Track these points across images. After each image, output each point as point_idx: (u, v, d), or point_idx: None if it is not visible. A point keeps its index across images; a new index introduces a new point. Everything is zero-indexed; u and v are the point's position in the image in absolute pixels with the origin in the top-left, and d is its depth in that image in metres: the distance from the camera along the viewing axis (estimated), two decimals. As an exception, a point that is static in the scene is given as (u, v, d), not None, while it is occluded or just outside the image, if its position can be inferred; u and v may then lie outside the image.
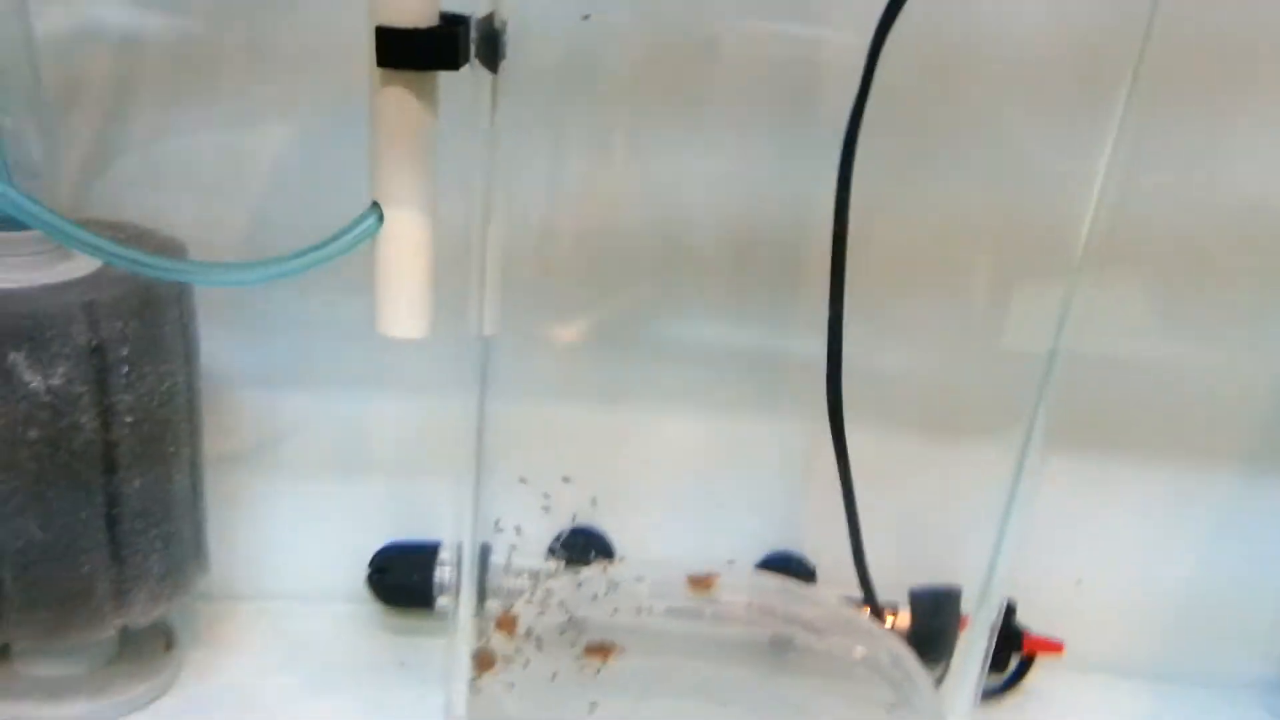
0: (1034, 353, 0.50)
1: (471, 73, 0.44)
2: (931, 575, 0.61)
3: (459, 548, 0.53)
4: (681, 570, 0.60)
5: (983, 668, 0.55)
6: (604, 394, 0.61)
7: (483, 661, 0.56)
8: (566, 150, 0.56)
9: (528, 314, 0.57)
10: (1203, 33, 0.52)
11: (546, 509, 0.58)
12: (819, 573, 0.62)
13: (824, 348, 0.53)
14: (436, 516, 0.64)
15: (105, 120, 0.57)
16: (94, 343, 0.48)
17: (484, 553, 0.57)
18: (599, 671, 0.57)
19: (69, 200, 0.57)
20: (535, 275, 0.58)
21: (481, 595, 0.56)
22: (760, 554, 0.63)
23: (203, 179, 0.58)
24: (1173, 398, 0.60)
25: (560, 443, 0.60)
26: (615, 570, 0.61)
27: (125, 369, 0.50)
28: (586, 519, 0.61)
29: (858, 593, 0.59)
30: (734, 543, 0.62)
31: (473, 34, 0.43)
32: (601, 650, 0.57)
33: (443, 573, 0.62)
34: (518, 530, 0.59)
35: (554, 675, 0.56)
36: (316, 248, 0.45)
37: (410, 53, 0.42)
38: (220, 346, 0.58)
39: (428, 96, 0.43)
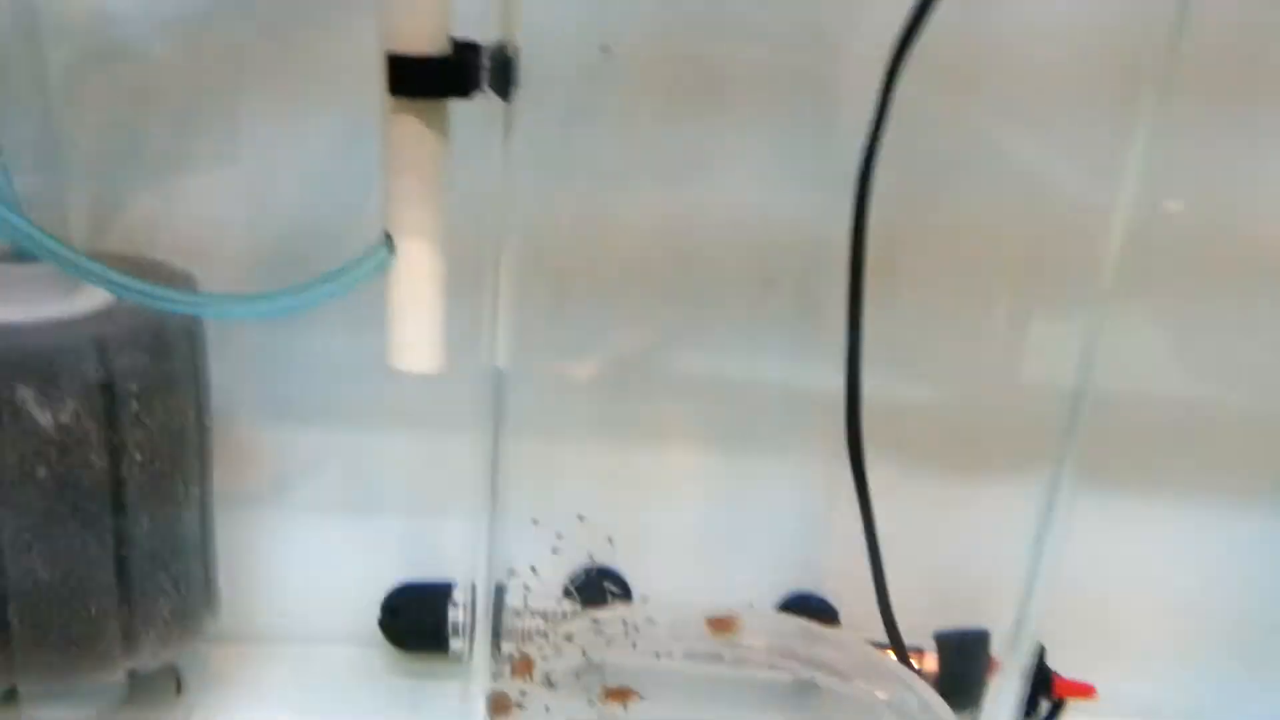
0: (1059, 386, 0.49)
1: (484, 101, 0.44)
2: (957, 617, 0.60)
3: (473, 589, 0.53)
4: (700, 611, 0.59)
5: (1018, 715, 0.54)
6: (619, 429, 0.60)
7: (498, 706, 0.55)
8: (580, 179, 0.56)
9: (542, 347, 0.57)
10: (1228, 56, 0.52)
11: (555, 549, 0.57)
12: (841, 614, 0.61)
13: (844, 380, 0.52)
14: (450, 555, 0.63)
15: (116, 154, 0.57)
16: (104, 379, 0.48)
17: (499, 593, 0.56)
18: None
19: (79, 234, 0.57)
20: (549, 307, 0.57)
21: (496, 637, 0.55)
22: (780, 595, 0.62)
23: (214, 210, 0.58)
24: (1205, 433, 0.60)
25: (576, 479, 0.59)
26: (632, 612, 0.59)
27: (135, 405, 0.49)
28: (604, 558, 0.60)
29: (882, 635, 0.57)
30: (753, 582, 0.61)
31: (485, 62, 0.43)
32: (620, 695, 0.56)
33: (456, 614, 0.61)
34: (533, 570, 0.58)
35: (571, 722, 0.55)
36: (328, 280, 0.44)
37: (422, 81, 0.42)
38: (229, 382, 0.57)
39: (439, 125, 0.43)
